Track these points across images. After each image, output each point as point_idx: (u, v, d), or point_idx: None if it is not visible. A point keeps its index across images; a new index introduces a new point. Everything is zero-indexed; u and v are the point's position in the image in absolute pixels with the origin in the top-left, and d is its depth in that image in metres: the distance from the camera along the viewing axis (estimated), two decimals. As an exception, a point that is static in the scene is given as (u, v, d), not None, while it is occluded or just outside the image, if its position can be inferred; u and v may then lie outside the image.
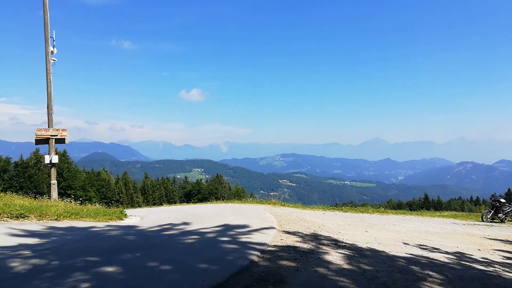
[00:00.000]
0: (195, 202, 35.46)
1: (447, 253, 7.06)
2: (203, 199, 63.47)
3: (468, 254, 7.11)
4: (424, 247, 7.59)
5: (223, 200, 26.98)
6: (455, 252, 7.21)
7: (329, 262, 5.52)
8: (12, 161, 54.79)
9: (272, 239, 7.25)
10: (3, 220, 9.05)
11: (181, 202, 68.54)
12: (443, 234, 10.15)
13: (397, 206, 79.10)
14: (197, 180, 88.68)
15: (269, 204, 17.56)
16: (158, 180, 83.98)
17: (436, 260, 6.25)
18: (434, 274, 5.19)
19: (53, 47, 15.51)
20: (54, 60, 15.58)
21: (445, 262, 6.14)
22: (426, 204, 78.04)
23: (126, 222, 11.11)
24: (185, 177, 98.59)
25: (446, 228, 11.54)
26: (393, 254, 6.52)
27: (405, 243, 7.89)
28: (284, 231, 8.48)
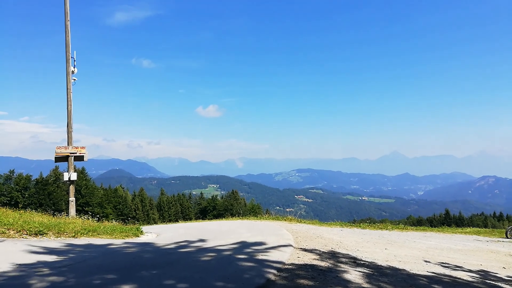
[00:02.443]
0: (211, 219, 35.47)
1: (470, 271, 6.81)
2: (218, 215, 63.40)
3: (492, 273, 6.84)
4: (446, 265, 7.35)
5: (238, 216, 26.85)
6: (478, 270, 6.95)
7: (347, 281, 5.38)
8: (32, 179, 56.11)
9: (289, 256, 7.14)
10: (23, 237, 9.21)
11: (197, 218, 68.53)
12: (465, 251, 9.83)
13: (417, 223, 77.32)
14: (213, 196, 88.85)
15: (285, 220, 17.38)
16: (174, 196, 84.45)
17: (459, 278, 6.03)
18: (458, 294, 5.00)
19: (74, 67, 16.02)
20: (74, 79, 16.07)
21: (468, 281, 5.92)
22: (447, 220, 76.08)
23: (142, 239, 11.15)
24: (201, 193, 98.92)
25: (469, 245, 11.17)
26: (414, 272, 6.32)
27: (426, 261, 7.66)
28: (301, 248, 8.35)
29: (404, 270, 6.50)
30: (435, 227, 22.52)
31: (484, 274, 6.66)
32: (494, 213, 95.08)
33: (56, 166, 56.99)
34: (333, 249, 8.47)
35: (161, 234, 12.43)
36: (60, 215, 15.23)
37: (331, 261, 6.89)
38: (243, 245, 8.68)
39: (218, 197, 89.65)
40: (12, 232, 9.44)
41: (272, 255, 7.11)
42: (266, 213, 28.00)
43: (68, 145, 15.92)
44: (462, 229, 19.35)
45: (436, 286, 5.36)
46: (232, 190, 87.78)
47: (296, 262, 6.67)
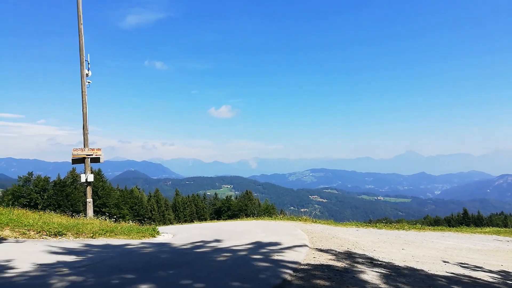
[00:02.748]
0: (225, 219, 35.60)
1: (490, 272, 6.67)
2: (233, 215, 63.58)
3: (514, 273, 6.68)
4: (466, 265, 7.21)
5: (253, 217, 26.87)
6: (499, 271, 6.80)
7: (365, 282, 5.33)
8: (50, 180, 57.27)
9: (305, 257, 7.11)
10: (42, 238, 9.43)
11: (212, 219, 68.84)
12: (485, 251, 9.62)
13: (435, 222, 76.04)
14: (227, 196, 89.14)
15: (299, 220, 17.31)
16: (188, 197, 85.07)
17: (479, 279, 5.91)
18: (478, 294, 4.90)
19: (88, 70, 16.29)
20: (89, 82, 16.34)
21: (489, 281, 5.80)
22: (466, 220, 74.60)
23: (159, 239, 11.27)
24: (215, 193, 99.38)
25: (489, 245, 10.94)
26: (432, 273, 6.22)
27: (444, 261, 7.53)
28: (316, 248, 8.30)
29: (422, 270, 6.41)
30: (453, 227, 22.12)
31: (505, 274, 6.52)
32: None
33: (73, 168, 58.04)
34: (349, 250, 8.40)
35: (177, 235, 12.54)
36: (78, 216, 15.51)
37: (348, 262, 6.83)
38: (258, 245, 8.68)
39: (232, 198, 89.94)
40: (32, 233, 9.66)
41: (288, 255, 7.09)
42: (281, 214, 27.95)
43: (84, 147, 16.19)
44: (481, 228, 18.95)
45: (455, 286, 5.27)
46: (246, 191, 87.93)
47: (312, 263, 6.64)
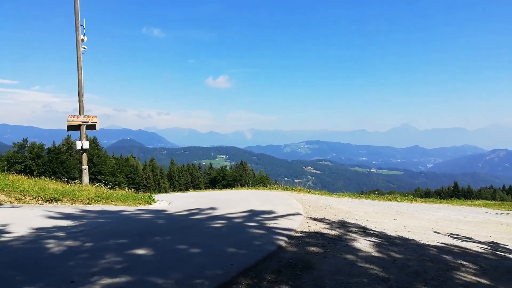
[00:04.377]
0: (220, 189, 35.91)
1: (480, 242, 6.83)
2: (227, 185, 64.25)
3: (502, 244, 6.84)
4: (456, 236, 7.37)
5: (248, 186, 27.16)
6: (488, 242, 6.96)
7: (358, 250, 5.44)
8: (45, 147, 57.07)
9: (299, 225, 7.23)
10: (38, 204, 9.47)
11: (207, 188, 69.58)
12: (475, 223, 9.83)
13: (425, 195, 77.48)
14: (222, 166, 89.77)
15: (294, 191, 17.51)
16: (184, 166, 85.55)
17: (469, 249, 6.06)
18: (468, 264, 5.02)
19: (84, 35, 15.86)
20: (84, 48, 15.95)
21: (478, 252, 5.94)
22: (456, 193, 76.04)
23: (154, 206, 11.38)
24: (210, 163, 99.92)
25: (478, 217, 11.16)
26: (424, 242, 6.36)
27: (435, 232, 7.69)
28: (310, 217, 8.43)
29: (413, 240, 6.54)
30: (443, 199, 22.52)
31: (494, 245, 6.68)
32: (504, 186, 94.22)
33: (68, 135, 57.74)
34: (342, 219, 8.54)
35: (172, 202, 12.67)
36: (74, 183, 15.55)
37: (341, 230, 6.96)
38: (254, 213, 8.80)
39: (227, 168, 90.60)
40: (28, 198, 9.69)
41: (282, 223, 7.20)
42: (275, 184, 28.25)
43: (80, 114, 16.01)
44: (471, 201, 19.29)
45: (446, 256, 5.39)
46: (241, 161, 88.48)
47: (306, 231, 6.75)
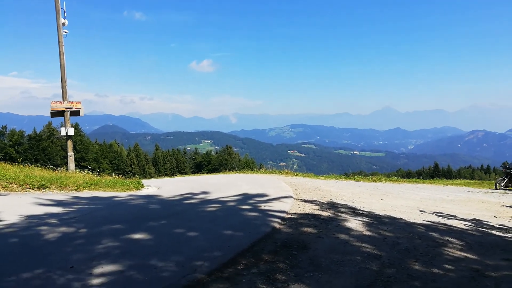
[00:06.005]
0: (207, 173, 35.95)
1: (464, 220, 7.12)
2: (213, 170, 64.22)
3: (484, 221, 7.15)
4: (441, 214, 7.65)
5: (235, 170, 27.26)
6: (471, 219, 7.26)
7: (349, 229, 5.62)
8: (25, 134, 55.70)
9: (291, 207, 7.37)
10: (26, 191, 9.33)
11: (193, 173, 69.45)
12: (458, 201, 10.19)
13: (407, 175, 79.16)
14: (207, 151, 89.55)
15: (281, 174, 17.70)
16: (169, 151, 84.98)
17: (454, 226, 6.32)
18: (454, 240, 5.26)
19: (64, 19, 15.38)
20: (65, 32, 15.50)
21: (463, 228, 6.21)
22: (436, 173, 77.99)
23: (144, 191, 11.36)
24: (195, 148, 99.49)
25: (461, 196, 11.57)
26: (411, 221, 6.59)
27: (421, 211, 7.96)
28: (301, 199, 8.59)
29: (401, 219, 6.77)
30: (424, 179, 23.16)
31: (477, 222, 6.97)
32: (482, 166, 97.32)
33: (49, 122, 56.43)
34: (332, 200, 8.74)
35: (162, 187, 12.66)
36: (59, 170, 15.33)
37: (332, 211, 7.14)
38: (245, 196, 8.91)
39: (213, 153, 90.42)
40: (15, 186, 9.55)
41: (275, 206, 7.33)
42: (262, 168, 28.43)
43: (63, 100, 15.68)
44: (453, 181, 19.89)
45: (433, 233, 5.62)
46: (226, 146, 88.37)
47: (298, 212, 6.91)
